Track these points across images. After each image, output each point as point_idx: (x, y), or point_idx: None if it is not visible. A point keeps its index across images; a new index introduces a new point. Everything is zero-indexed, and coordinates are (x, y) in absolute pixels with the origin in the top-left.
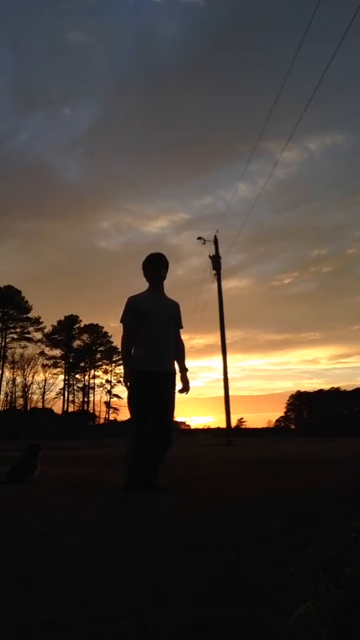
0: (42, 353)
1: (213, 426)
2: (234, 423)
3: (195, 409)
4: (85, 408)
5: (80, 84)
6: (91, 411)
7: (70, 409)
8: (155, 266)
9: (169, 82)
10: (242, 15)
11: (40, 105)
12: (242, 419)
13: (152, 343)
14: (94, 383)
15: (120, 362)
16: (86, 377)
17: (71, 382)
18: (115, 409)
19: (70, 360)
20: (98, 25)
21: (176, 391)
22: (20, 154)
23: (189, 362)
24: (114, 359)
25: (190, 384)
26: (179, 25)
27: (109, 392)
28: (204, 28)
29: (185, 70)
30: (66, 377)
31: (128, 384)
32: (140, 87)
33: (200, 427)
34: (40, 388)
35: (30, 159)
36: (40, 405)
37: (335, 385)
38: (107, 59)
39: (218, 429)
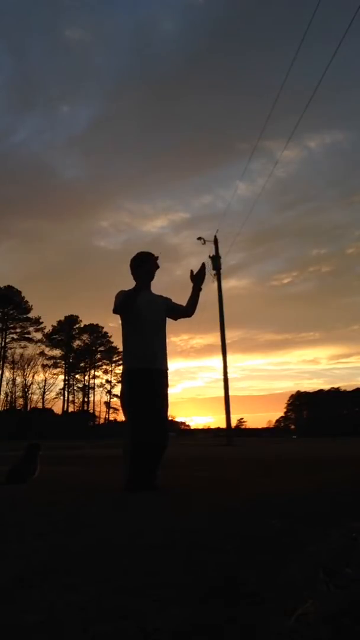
0: (42, 353)
1: (213, 426)
2: (234, 423)
3: (195, 409)
4: (85, 408)
5: (78, 82)
6: (91, 411)
7: (70, 409)
8: (146, 264)
9: (168, 80)
10: (241, 13)
11: (38, 103)
12: (242, 419)
13: (144, 340)
14: (94, 383)
15: (121, 362)
16: (86, 377)
17: (71, 382)
18: (115, 409)
19: (70, 360)
20: (96, 22)
21: (169, 389)
22: (18, 152)
23: (188, 362)
24: (114, 359)
25: (190, 384)
26: (178, 23)
27: (109, 392)
28: (203, 26)
29: (185, 68)
30: (66, 377)
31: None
32: (138, 85)
33: (200, 427)
34: (40, 388)
35: (28, 157)
36: (40, 405)
37: (335, 385)
38: (106, 57)
39: (218, 429)
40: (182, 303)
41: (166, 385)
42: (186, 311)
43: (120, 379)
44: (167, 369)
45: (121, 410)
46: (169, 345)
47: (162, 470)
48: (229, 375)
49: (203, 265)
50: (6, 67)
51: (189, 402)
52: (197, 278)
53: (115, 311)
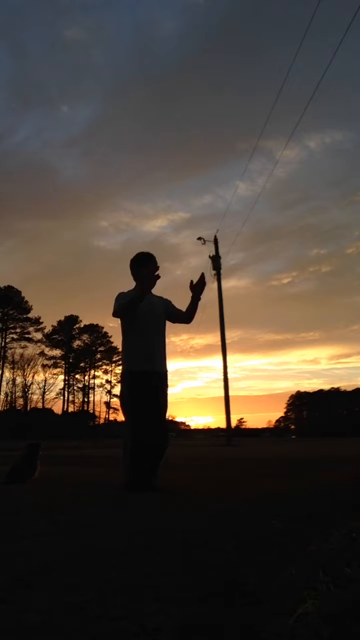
0: (42, 353)
1: (213, 426)
2: (234, 423)
3: (195, 409)
4: (85, 408)
5: (78, 82)
6: (91, 411)
7: (70, 409)
8: (146, 266)
9: (168, 80)
10: (241, 13)
11: (37, 103)
12: (242, 419)
13: (144, 342)
14: (94, 383)
15: (121, 362)
16: (86, 377)
17: (71, 382)
18: (115, 409)
19: (70, 360)
20: (96, 22)
21: (169, 390)
22: (18, 152)
23: (188, 362)
24: (114, 359)
25: (190, 384)
26: (178, 23)
27: (109, 392)
28: (203, 26)
29: (185, 68)
30: (66, 377)
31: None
32: (138, 85)
33: (200, 427)
34: (40, 388)
35: (28, 157)
36: (40, 405)
37: (335, 385)
38: (105, 57)
39: (218, 429)
40: (182, 305)
41: (165, 387)
42: (184, 317)
43: (120, 379)
44: (166, 370)
45: (121, 411)
46: (169, 345)
47: (161, 470)
48: (229, 375)
49: (202, 276)
50: (6, 67)
51: (189, 402)
52: (197, 288)
53: (115, 315)
